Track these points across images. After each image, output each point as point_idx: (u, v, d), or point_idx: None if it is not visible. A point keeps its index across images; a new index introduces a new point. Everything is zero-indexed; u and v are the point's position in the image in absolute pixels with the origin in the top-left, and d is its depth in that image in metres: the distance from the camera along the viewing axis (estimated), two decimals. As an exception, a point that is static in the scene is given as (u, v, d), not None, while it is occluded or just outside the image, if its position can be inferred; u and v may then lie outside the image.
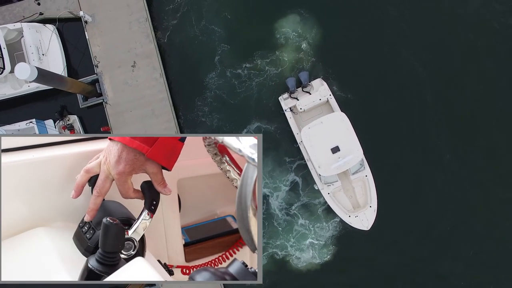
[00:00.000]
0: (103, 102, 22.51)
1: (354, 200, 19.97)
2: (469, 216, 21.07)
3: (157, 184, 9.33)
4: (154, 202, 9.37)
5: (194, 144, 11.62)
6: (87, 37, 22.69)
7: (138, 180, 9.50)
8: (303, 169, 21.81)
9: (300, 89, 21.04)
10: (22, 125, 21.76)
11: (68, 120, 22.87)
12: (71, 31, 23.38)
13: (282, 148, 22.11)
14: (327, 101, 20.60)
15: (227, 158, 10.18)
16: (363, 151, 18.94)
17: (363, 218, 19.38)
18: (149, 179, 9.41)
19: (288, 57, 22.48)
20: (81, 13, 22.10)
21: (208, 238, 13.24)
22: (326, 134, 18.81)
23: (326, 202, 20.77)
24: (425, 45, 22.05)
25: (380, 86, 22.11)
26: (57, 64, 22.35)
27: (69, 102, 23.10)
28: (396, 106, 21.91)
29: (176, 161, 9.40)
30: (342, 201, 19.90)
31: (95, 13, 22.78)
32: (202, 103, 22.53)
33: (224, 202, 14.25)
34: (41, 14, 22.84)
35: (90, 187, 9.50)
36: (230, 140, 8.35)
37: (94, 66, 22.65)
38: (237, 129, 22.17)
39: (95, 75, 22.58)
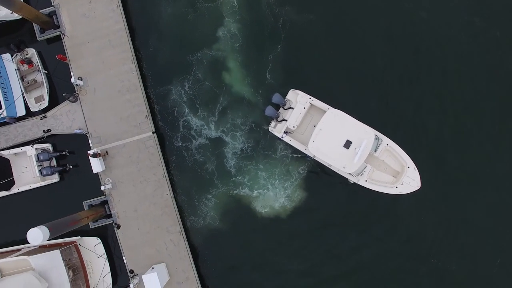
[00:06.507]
0: (61, 34, 22.48)
1: (391, 170, 19.47)
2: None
3: None
4: None
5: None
6: (43, -31, 22.62)
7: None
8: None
9: (281, 109, 20.78)
10: (-25, 56, 21.70)
11: (26, 54, 22.81)
12: (26, -38, 23.27)
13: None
14: (311, 105, 20.25)
15: None
16: (371, 126, 18.61)
17: (409, 181, 18.93)
18: None
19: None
20: None
21: None
22: (331, 136, 18.38)
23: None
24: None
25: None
26: (12, -4, 22.18)
27: (26, 35, 23.05)
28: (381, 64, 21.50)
29: None
30: (382, 178, 19.48)
31: None
32: (157, 33, 22.76)
33: None
34: None
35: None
36: None
37: (51, -2, 22.60)
38: (189, 53, 22.42)
39: (52, 7, 22.54)
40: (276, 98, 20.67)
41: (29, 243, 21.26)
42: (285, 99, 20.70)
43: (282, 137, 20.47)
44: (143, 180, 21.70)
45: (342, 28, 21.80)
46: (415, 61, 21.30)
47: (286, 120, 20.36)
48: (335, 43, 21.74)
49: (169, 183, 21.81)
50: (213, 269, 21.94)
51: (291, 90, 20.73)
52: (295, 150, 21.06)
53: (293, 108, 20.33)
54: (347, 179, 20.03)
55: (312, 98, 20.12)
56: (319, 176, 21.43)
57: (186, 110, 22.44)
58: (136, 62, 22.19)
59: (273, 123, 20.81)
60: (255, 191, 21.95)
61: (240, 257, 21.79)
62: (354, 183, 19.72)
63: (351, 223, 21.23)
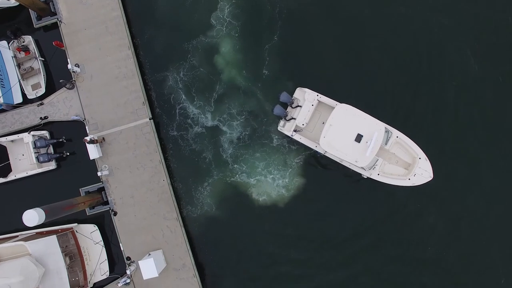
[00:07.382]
0: (58, 21, 22.44)
1: (402, 162, 19.36)
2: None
3: None
4: None
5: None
6: (40, -43, 22.58)
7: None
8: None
9: (289, 108, 20.71)
10: (-28, 43, 21.69)
11: (23, 41, 22.78)
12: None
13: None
14: (319, 102, 20.16)
15: None
16: (380, 119, 18.47)
17: (422, 172, 18.87)
18: None
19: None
20: None
21: None
22: (342, 131, 18.26)
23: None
24: None
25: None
26: (9, -17, 22.21)
27: (23, 22, 23.02)
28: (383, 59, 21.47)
29: None
30: (394, 171, 19.38)
31: None
32: (154, 20, 22.76)
33: None
34: None
35: None
36: None
37: (48, -14, 22.57)
38: (185, 40, 22.36)
39: (49, -6, 22.52)
40: (283, 97, 20.61)
41: (26, 230, 21.33)
42: (293, 98, 20.63)
43: (292, 136, 20.37)
44: (140, 167, 21.69)
45: (341, 16, 21.77)
46: (421, 50, 21.29)
47: (294, 119, 20.31)
48: (333, 32, 21.74)
49: (165, 169, 21.79)
50: (210, 256, 21.92)
51: (298, 88, 20.65)
52: (292, 140, 21.04)
53: (301, 106, 20.28)
54: (361, 174, 19.83)
55: (320, 95, 20.02)
56: (316, 165, 21.41)
57: (183, 97, 22.43)
58: (133, 49, 22.19)
59: (282, 122, 20.74)
60: (252, 179, 21.92)
61: (237, 245, 21.78)
62: (368, 177, 19.53)
63: (349, 213, 21.20)
